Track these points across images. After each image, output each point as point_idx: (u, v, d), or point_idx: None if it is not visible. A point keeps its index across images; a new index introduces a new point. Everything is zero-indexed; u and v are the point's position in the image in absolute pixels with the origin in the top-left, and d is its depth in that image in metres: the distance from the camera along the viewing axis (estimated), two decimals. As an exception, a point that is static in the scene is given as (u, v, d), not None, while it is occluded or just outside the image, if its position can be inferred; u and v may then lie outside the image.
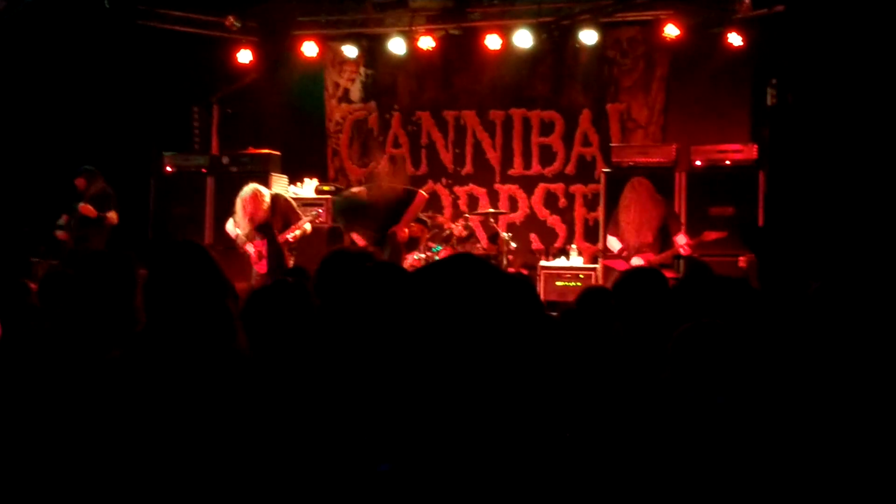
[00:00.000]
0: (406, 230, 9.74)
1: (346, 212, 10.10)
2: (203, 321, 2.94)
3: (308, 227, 9.94)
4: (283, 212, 9.94)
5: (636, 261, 9.46)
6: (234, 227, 10.00)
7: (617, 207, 9.85)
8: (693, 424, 2.74)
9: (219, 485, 2.62)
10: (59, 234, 10.82)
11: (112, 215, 10.84)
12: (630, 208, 9.60)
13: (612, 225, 9.97)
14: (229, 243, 10.01)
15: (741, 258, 10.11)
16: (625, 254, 9.60)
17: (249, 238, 9.81)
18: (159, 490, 2.63)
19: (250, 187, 9.85)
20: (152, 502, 2.63)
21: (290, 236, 9.80)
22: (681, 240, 9.57)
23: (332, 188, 11.77)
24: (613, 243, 9.77)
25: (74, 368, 3.19)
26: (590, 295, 5.52)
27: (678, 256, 9.63)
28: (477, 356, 1.81)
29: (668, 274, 6.94)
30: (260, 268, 9.78)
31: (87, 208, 10.68)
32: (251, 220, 9.72)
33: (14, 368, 3.44)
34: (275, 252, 9.76)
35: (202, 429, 2.67)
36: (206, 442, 2.66)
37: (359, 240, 9.93)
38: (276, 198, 9.96)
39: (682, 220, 10.23)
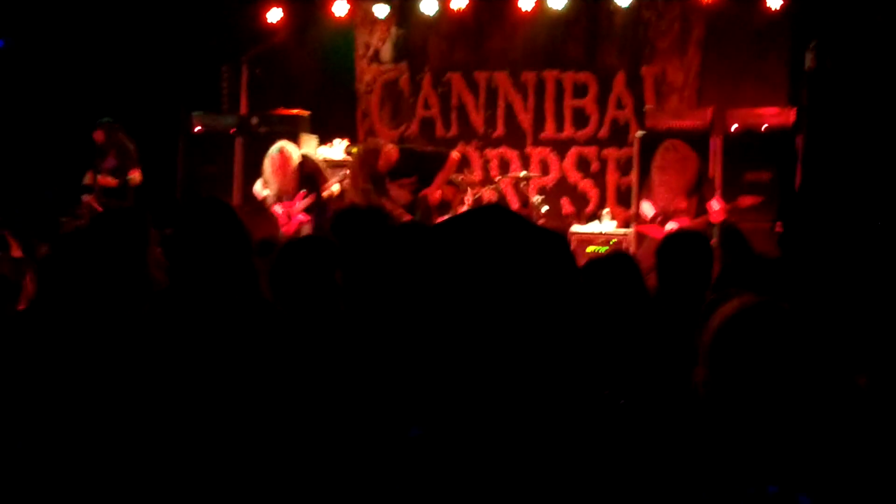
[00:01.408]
0: (438, 193, 9.62)
1: (372, 180, 9.98)
2: (228, 277, 2.87)
3: (336, 188, 9.86)
4: (310, 173, 9.89)
5: (670, 226, 9.32)
6: (263, 188, 9.95)
7: (650, 171, 9.70)
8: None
9: (247, 439, 2.55)
10: (85, 197, 10.79)
11: (135, 175, 10.80)
12: (665, 171, 9.45)
13: (645, 189, 9.82)
14: (258, 204, 9.95)
15: (777, 223, 9.94)
16: (659, 219, 9.46)
17: (278, 198, 9.75)
18: (190, 442, 2.56)
19: (278, 145, 9.80)
20: (182, 456, 2.56)
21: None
22: (715, 205, 9.42)
23: (361, 146, 11.63)
24: (647, 208, 9.63)
25: (95, 324, 3.12)
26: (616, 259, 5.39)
27: (713, 223, 9.49)
28: (508, 312, 1.69)
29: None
30: (288, 229, 9.71)
31: (106, 180, 10.64)
32: (280, 178, 9.66)
33: (38, 328, 3.37)
34: (317, 208, 9.72)
35: (231, 383, 2.59)
36: (234, 398, 2.58)
37: (389, 203, 9.81)
38: (303, 159, 9.89)
39: (717, 185, 10.07)
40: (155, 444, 2.63)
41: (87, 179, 10.85)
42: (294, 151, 9.84)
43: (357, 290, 3.03)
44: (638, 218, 10.20)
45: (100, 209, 10.62)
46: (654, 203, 9.52)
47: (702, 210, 9.39)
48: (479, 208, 1.83)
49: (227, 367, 2.67)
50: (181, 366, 2.69)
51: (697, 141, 10.30)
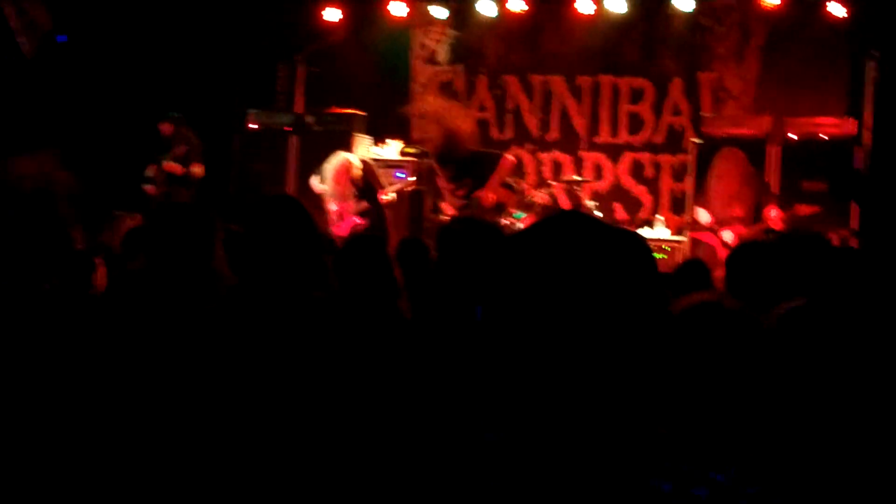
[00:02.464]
0: (492, 195, 9.59)
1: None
2: (299, 276, 2.87)
3: (393, 195, 9.97)
4: (367, 179, 10.02)
5: (726, 234, 9.27)
6: (321, 184, 10.05)
7: (707, 178, 9.63)
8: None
9: (318, 439, 2.55)
10: (147, 187, 10.91)
11: (197, 169, 10.90)
12: (722, 179, 9.39)
13: (700, 196, 9.76)
14: (313, 199, 10.00)
15: (833, 234, 9.84)
16: (714, 227, 9.40)
17: (334, 197, 9.85)
18: (260, 441, 2.57)
19: (342, 157, 9.91)
20: (255, 454, 2.57)
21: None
22: (772, 213, 9.34)
23: (417, 150, 11.64)
24: (703, 215, 9.57)
25: (164, 318, 3.13)
26: (690, 267, 5.38)
27: (769, 230, 9.41)
28: (588, 318, 1.68)
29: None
30: (338, 230, 9.76)
31: (171, 166, 10.74)
32: (338, 186, 9.79)
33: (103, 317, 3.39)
34: (375, 214, 9.82)
35: (302, 383, 2.59)
36: (303, 399, 2.58)
37: (446, 207, 9.82)
38: (363, 164, 10.03)
39: (774, 193, 9.98)
40: (223, 441, 2.64)
41: (149, 172, 10.96)
42: (355, 162, 9.95)
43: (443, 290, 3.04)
44: (693, 224, 10.13)
45: (160, 198, 10.75)
46: (710, 210, 9.46)
47: (757, 217, 9.32)
48: (557, 214, 1.83)
49: (299, 367, 2.67)
50: (252, 363, 2.70)
51: (755, 148, 10.23)
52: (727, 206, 9.35)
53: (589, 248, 1.68)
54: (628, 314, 1.68)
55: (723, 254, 8.85)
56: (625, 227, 11.51)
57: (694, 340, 2.11)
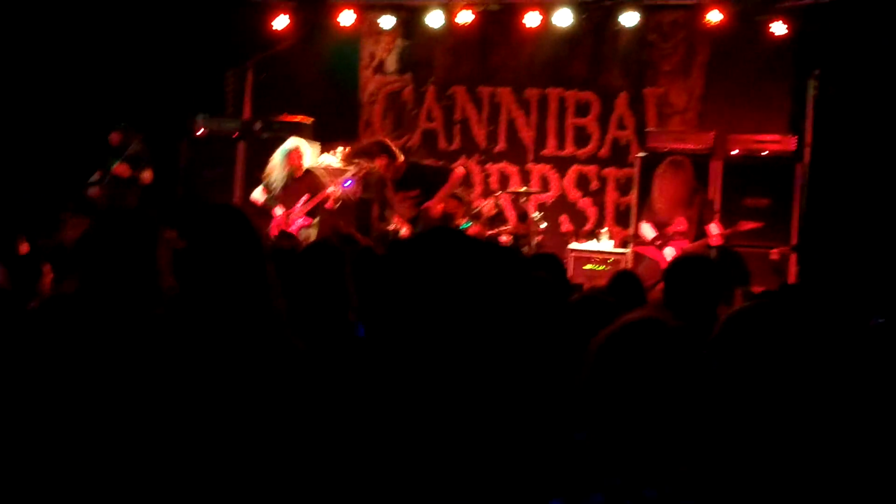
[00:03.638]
0: (440, 206, 9.65)
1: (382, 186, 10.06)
2: (243, 287, 2.88)
3: (338, 193, 10.01)
4: (313, 179, 10.04)
5: (668, 250, 9.38)
6: (262, 193, 10.06)
7: (651, 192, 9.75)
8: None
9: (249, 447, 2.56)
10: (91, 191, 10.82)
11: (146, 174, 10.85)
12: (665, 193, 9.51)
13: (646, 210, 9.87)
14: (258, 209, 10.01)
15: (773, 251, 10.00)
16: (658, 242, 9.51)
17: (278, 199, 9.88)
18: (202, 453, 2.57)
19: (295, 141, 9.94)
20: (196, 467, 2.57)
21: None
22: (714, 229, 9.47)
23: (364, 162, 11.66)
24: (647, 231, 9.68)
25: (103, 327, 3.11)
26: (622, 279, 5.45)
27: (711, 246, 9.54)
28: (464, 323, 1.73)
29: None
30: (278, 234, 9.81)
31: (121, 168, 10.67)
32: (287, 171, 9.82)
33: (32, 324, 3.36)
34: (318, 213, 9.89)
35: (241, 393, 2.60)
36: (242, 415, 2.59)
37: (394, 217, 9.87)
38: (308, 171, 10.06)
39: (717, 208, 10.12)
40: (158, 455, 2.64)
41: (95, 177, 10.88)
42: (307, 152, 9.99)
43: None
44: (637, 238, 10.24)
45: (104, 202, 10.68)
46: (653, 218, 9.58)
47: (700, 233, 9.44)
48: (429, 230, 1.88)
49: (238, 377, 2.68)
50: (192, 375, 2.70)
51: (698, 164, 10.38)
52: (670, 212, 9.47)
53: (459, 263, 1.73)
54: (499, 324, 1.74)
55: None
56: (569, 239, 11.66)
57: (628, 356, 2.14)
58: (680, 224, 9.45)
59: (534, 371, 1.78)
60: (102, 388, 2.80)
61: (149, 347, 2.83)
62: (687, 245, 9.35)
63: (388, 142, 9.80)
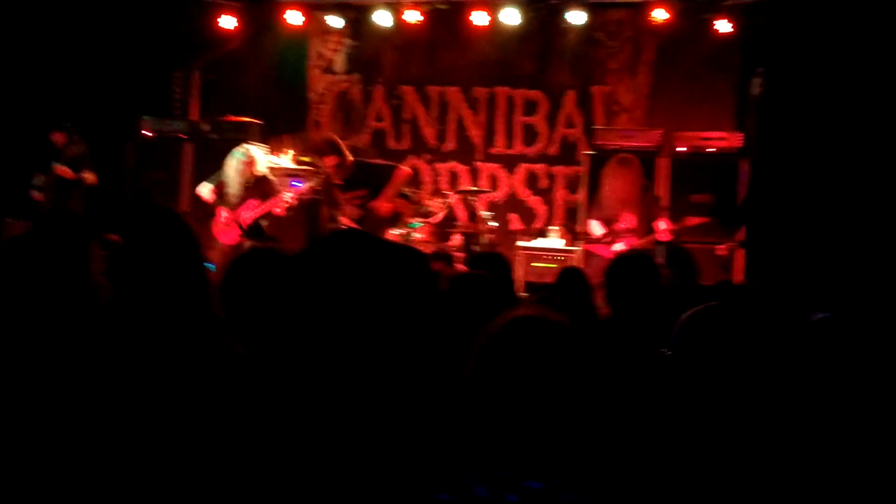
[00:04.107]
0: (387, 205, 9.62)
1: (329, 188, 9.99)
2: (178, 289, 2.86)
3: (288, 199, 9.94)
4: (262, 184, 9.96)
5: (617, 246, 9.42)
6: (211, 193, 9.94)
7: (600, 187, 9.79)
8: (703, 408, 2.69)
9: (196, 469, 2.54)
10: (35, 194, 10.70)
11: (89, 176, 10.74)
12: (613, 190, 9.55)
13: (594, 208, 9.91)
14: (208, 210, 9.92)
15: (720, 246, 10.08)
16: (607, 239, 9.55)
17: (236, 202, 9.80)
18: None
19: (245, 149, 9.85)
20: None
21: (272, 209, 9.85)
22: (662, 225, 9.52)
23: (311, 159, 11.61)
24: (596, 228, 9.71)
25: (42, 330, 3.08)
26: (568, 275, 5.48)
27: (658, 242, 9.59)
28: (370, 323, 1.75)
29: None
30: (226, 238, 9.71)
31: (63, 170, 10.56)
32: (245, 182, 9.74)
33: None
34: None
35: (174, 400, 2.58)
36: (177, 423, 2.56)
37: (342, 217, 9.83)
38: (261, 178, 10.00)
39: (665, 205, 10.19)
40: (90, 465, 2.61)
41: (38, 181, 10.75)
42: (259, 157, 9.90)
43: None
44: (586, 236, 10.28)
45: (48, 205, 10.55)
46: (602, 215, 9.62)
47: (649, 230, 9.49)
48: (337, 232, 1.89)
49: (170, 384, 2.66)
50: (124, 380, 2.67)
51: (645, 161, 10.43)
52: (617, 208, 9.52)
53: (364, 264, 1.74)
54: (403, 324, 1.75)
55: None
56: (519, 237, 11.69)
57: (515, 352, 2.14)
58: (628, 221, 9.49)
59: (432, 369, 1.79)
60: (34, 392, 2.77)
61: (82, 350, 2.80)
62: (635, 241, 9.40)
63: (338, 140, 9.75)
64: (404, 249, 1.84)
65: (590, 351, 2.14)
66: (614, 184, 9.65)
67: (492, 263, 5.20)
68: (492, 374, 2.11)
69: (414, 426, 1.86)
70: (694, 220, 9.66)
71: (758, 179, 10.29)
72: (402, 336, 1.76)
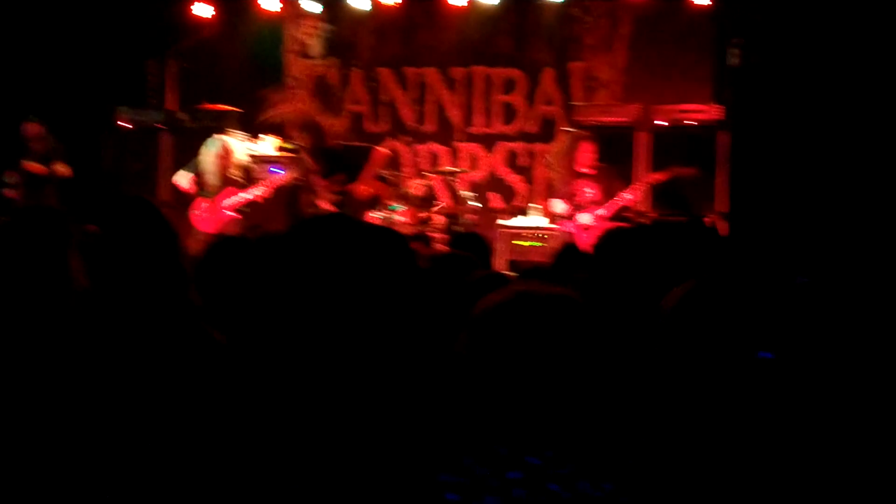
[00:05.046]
0: (366, 188, 9.61)
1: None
2: (155, 280, 2.84)
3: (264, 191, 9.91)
4: (243, 173, 9.96)
5: (582, 217, 9.48)
6: (191, 182, 9.92)
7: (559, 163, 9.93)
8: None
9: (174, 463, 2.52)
10: (8, 192, 10.62)
11: (60, 168, 10.63)
12: (573, 158, 9.63)
13: (555, 187, 10.03)
14: (187, 199, 9.89)
15: (704, 219, 10.10)
16: (568, 213, 9.61)
17: (213, 191, 9.76)
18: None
19: (220, 140, 9.80)
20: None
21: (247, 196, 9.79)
22: (626, 195, 9.59)
23: (293, 146, 11.55)
24: (558, 205, 9.75)
25: (12, 324, 3.05)
26: (567, 253, 5.45)
27: (624, 208, 9.63)
28: (352, 306, 1.73)
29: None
30: (205, 227, 9.68)
31: (32, 166, 10.46)
32: (222, 174, 9.69)
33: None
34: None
35: (151, 392, 2.56)
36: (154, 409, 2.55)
37: (321, 202, 9.82)
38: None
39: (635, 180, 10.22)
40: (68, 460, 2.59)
41: (9, 178, 10.66)
42: (236, 149, 9.88)
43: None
44: (553, 217, 10.33)
45: (23, 202, 10.47)
46: (562, 191, 9.72)
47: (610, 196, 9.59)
48: (318, 216, 1.88)
49: (150, 372, 2.64)
50: (102, 373, 2.65)
51: (624, 136, 10.46)
52: (577, 192, 9.58)
53: (347, 246, 1.72)
54: (385, 304, 1.74)
55: (582, 239, 9.02)
56: (499, 216, 11.69)
57: (520, 326, 2.13)
58: (587, 193, 9.57)
59: (421, 350, 1.79)
60: (15, 384, 2.75)
61: (62, 342, 2.78)
62: (598, 210, 9.48)
63: (318, 123, 9.73)
64: (382, 230, 1.82)
65: (597, 324, 2.13)
66: (567, 158, 9.74)
67: (472, 244, 5.19)
68: (492, 349, 2.08)
69: (405, 409, 1.85)
70: (654, 176, 9.77)
71: (735, 150, 10.32)
72: (386, 316, 1.75)
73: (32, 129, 10.62)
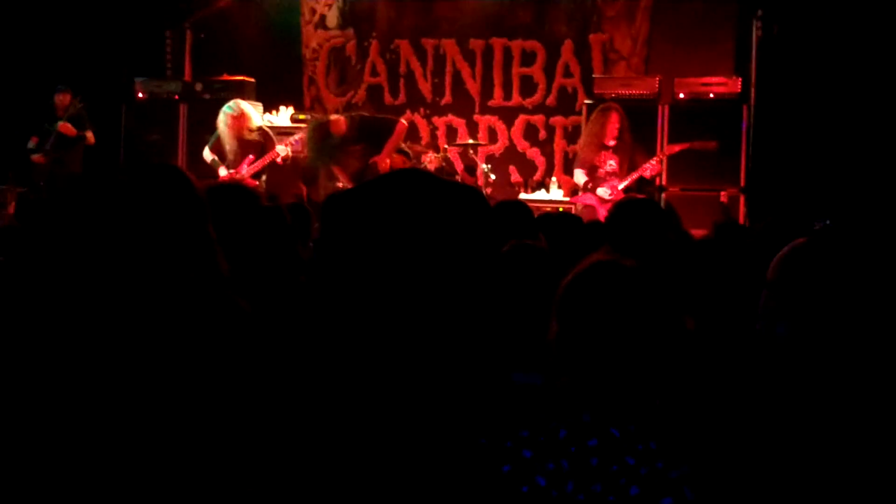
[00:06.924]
0: (388, 161, 9.56)
1: (324, 147, 9.86)
2: (184, 247, 2.80)
3: (284, 151, 9.83)
4: (260, 139, 9.89)
5: (602, 191, 9.40)
6: (210, 154, 9.91)
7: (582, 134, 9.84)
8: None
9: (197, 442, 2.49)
10: (35, 157, 10.66)
11: (90, 135, 10.73)
12: (596, 129, 9.53)
13: (577, 157, 9.94)
14: (204, 172, 9.85)
15: (722, 193, 10.04)
16: (589, 185, 9.53)
17: (226, 160, 9.73)
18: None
19: (234, 104, 9.76)
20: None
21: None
22: (647, 166, 9.50)
23: (308, 117, 11.49)
24: (579, 176, 9.67)
25: (71, 297, 3.01)
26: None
27: (642, 180, 9.54)
28: (431, 266, 1.67)
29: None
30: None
31: (67, 127, 10.53)
32: (234, 136, 9.64)
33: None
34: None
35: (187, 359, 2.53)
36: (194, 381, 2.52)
37: (339, 173, 9.77)
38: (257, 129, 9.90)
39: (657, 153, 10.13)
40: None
41: (33, 144, 10.71)
42: (251, 112, 9.83)
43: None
44: (573, 190, 10.26)
45: (49, 167, 10.51)
46: (583, 162, 9.63)
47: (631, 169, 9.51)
48: (394, 171, 1.83)
49: (181, 340, 2.61)
50: (131, 338, 2.62)
51: (645, 109, 10.37)
52: (600, 164, 9.50)
53: (426, 202, 1.67)
54: (464, 265, 1.68)
55: (601, 211, 8.97)
56: (519, 189, 11.63)
57: (590, 299, 2.16)
58: (609, 163, 9.48)
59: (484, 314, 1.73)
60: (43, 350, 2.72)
61: (93, 309, 2.75)
62: (619, 181, 9.39)
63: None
64: (467, 188, 1.76)
65: (666, 295, 2.14)
66: (593, 129, 9.65)
67: (515, 212, 5.04)
68: (577, 319, 2.13)
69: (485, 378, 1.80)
70: (674, 147, 9.71)
71: (760, 123, 10.24)
72: (472, 281, 1.69)
73: (64, 97, 10.69)
